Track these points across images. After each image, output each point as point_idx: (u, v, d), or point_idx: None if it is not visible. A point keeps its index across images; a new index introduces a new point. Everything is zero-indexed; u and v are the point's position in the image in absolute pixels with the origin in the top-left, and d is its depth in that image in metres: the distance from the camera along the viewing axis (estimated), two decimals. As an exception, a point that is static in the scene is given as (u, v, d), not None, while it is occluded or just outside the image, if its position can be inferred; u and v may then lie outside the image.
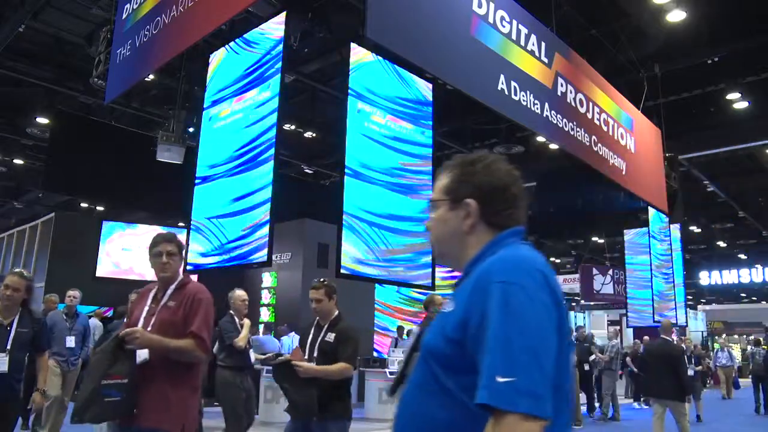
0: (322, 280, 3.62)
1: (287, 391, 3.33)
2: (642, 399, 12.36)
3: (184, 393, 2.68)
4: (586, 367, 9.91)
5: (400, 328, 11.59)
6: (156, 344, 2.61)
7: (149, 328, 2.68)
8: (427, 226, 1.40)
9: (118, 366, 2.51)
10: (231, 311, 5.31)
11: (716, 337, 24.16)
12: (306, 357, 3.42)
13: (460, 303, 1.18)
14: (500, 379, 1.02)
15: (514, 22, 5.25)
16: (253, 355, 5.60)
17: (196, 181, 4.72)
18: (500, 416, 1.01)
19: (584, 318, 26.55)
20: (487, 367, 1.05)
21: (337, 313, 3.55)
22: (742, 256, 22.48)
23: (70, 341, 6.17)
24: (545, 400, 1.03)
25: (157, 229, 10.45)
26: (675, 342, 7.47)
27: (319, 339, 3.46)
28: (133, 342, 2.55)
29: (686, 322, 11.72)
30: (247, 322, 5.35)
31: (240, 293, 5.41)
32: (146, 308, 2.79)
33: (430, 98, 5.08)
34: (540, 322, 1.09)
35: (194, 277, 9.23)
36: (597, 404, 10.19)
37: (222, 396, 5.19)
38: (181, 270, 2.90)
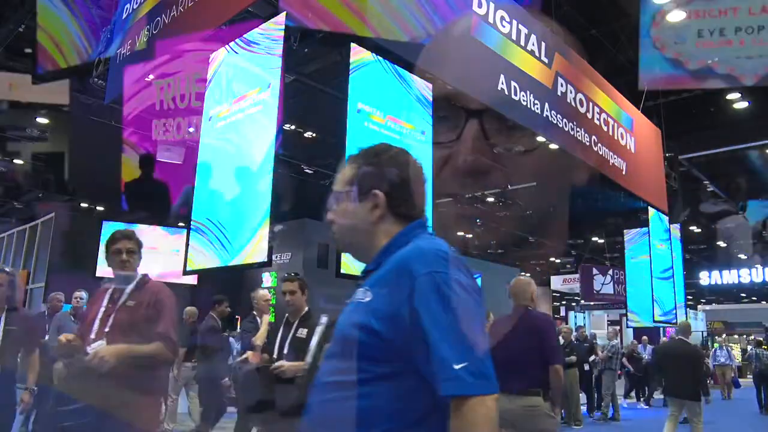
0: (294, 273, 3.63)
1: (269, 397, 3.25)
2: (642, 399, 12.38)
3: (149, 399, 2.62)
4: (586, 367, 9.90)
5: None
6: (125, 356, 2.46)
7: (106, 329, 2.56)
8: (329, 219, 1.37)
9: (78, 390, 2.37)
10: (254, 311, 5.32)
11: (716, 337, 24.15)
12: (275, 356, 3.34)
13: (381, 295, 1.18)
14: (457, 366, 1.06)
15: (514, 22, 5.25)
16: None
17: (196, 181, 4.71)
18: (462, 401, 1.06)
19: (584, 318, 26.50)
20: (441, 358, 1.08)
21: (307, 309, 3.52)
22: (742, 256, 22.43)
23: None
24: (492, 377, 1.09)
25: (157, 229, 10.44)
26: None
27: (290, 336, 3.38)
28: (103, 367, 2.36)
29: (686, 322, 11.70)
30: (265, 318, 5.37)
31: (263, 293, 5.46)
32: (102, 309, 2.64)
33: (430, 98, 5.08)
34: (472, 306, 1.14)
35: (194, 277, 9.15)
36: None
37: (237, 396, 5.25)
38: (138, 268, 2.78)
